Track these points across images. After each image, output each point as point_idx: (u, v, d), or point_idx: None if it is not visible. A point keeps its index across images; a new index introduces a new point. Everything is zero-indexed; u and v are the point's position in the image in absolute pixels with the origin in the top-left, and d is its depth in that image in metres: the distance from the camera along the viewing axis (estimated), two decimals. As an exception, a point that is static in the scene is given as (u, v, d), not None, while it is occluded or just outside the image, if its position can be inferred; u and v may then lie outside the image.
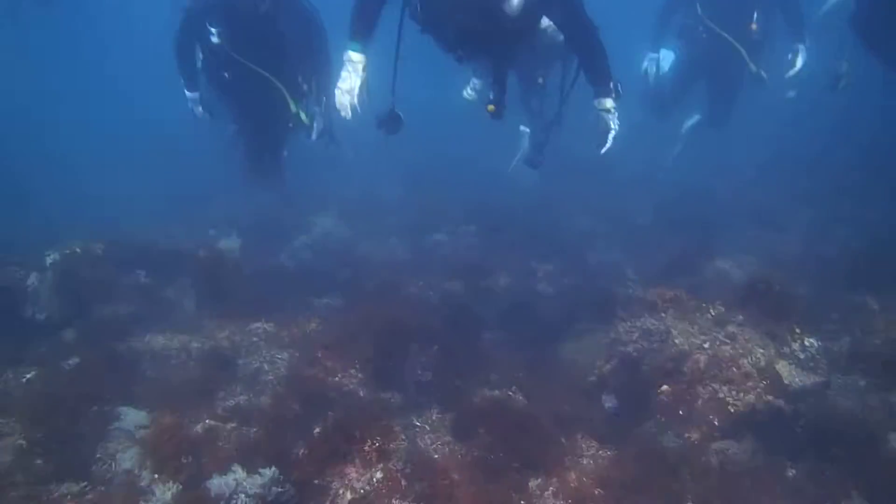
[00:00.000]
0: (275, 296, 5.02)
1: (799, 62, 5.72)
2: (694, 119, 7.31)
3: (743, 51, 5.68)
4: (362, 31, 3.46)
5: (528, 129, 6.54)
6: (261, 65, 4.54)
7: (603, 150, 3.59)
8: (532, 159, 3.85)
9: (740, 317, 3.46)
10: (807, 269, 4.72)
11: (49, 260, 4.29)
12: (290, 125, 4.95)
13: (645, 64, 6.40)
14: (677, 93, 6.74)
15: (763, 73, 5.74)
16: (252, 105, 5.09)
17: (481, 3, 3.17)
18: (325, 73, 4.81)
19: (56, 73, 12.63)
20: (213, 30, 4.36)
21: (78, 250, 4.45)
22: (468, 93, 5.70)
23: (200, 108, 4.97)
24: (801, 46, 5.72)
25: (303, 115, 4.75)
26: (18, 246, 4.74)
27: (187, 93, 4.93)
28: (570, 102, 3.90)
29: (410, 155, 8.57)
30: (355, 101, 3.43)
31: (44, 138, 9.71)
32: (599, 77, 3.59)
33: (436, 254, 6.20)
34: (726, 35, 5.68)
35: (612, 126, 3.56)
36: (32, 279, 4.18)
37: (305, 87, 4.79)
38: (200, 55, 4.80)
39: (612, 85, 3.56)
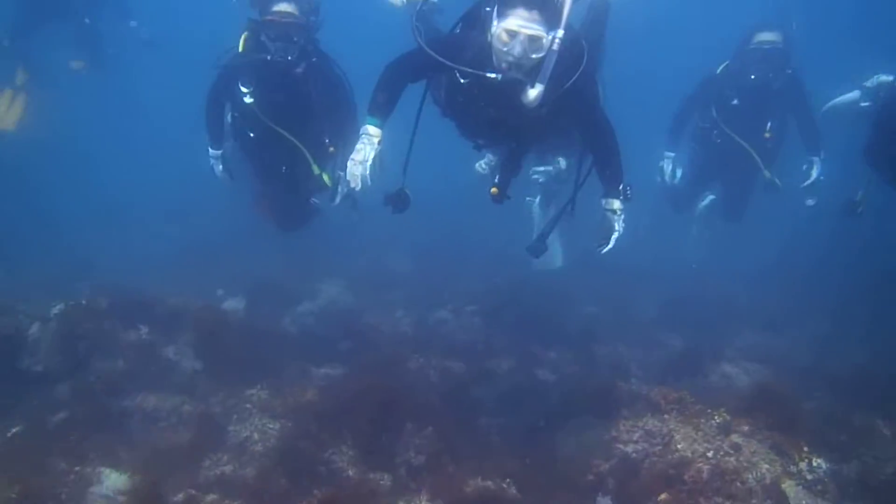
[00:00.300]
0: (274, 361, 4.98)
1: (814, 173, 5.79)
2: (708, 199, 7.28)
3: (757, 157, 5.77)
4: (382, 108, 3.54)
5: (535, 200, 6.58)
6: (287, 127, 4.56)
7: (604, 251, 3.57)
8: (535, 247, 3.73)
9: (746, 427, 3.36)
10: (815, 382, 4.62)
11: (54, 311, 4.31)
12: (314, 188, 4.94)
13: (661, 163, 6.49)
14: (692, 193, 6.85)
15: (777, 181, 5.81)
16: (276, 166, 5.09)
17: (502, 94, 3.22)
18: (352, 138, 4.91)
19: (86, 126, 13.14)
20: (244, 90, 4.39)
21: (83, 302, 4.48)
22: (481, 167, 5.78)
23: (221, 168, 4.96)
24: (815, 158, 5.81)
25: (326, 178, 4.73)
26: (33, 294, 4.78)
27: (210, 150, 4.94)
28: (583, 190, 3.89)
29: (423, 227, 8.68)
30: (367, 172, 3.43)
31: (66, 186, 9.93)
32: (611, 177, 3.58)
33: (439, 331, 6.15)
34: (741, 140, 5.79)
35: (617, 228, 3.53)
36: (34, 329, 4.19)
37: (332, 149, 4.77)
38: (229, 114, 4.84)
39: (622, 187, 3.56)
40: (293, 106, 4.51)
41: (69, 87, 8.95)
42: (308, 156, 4.65)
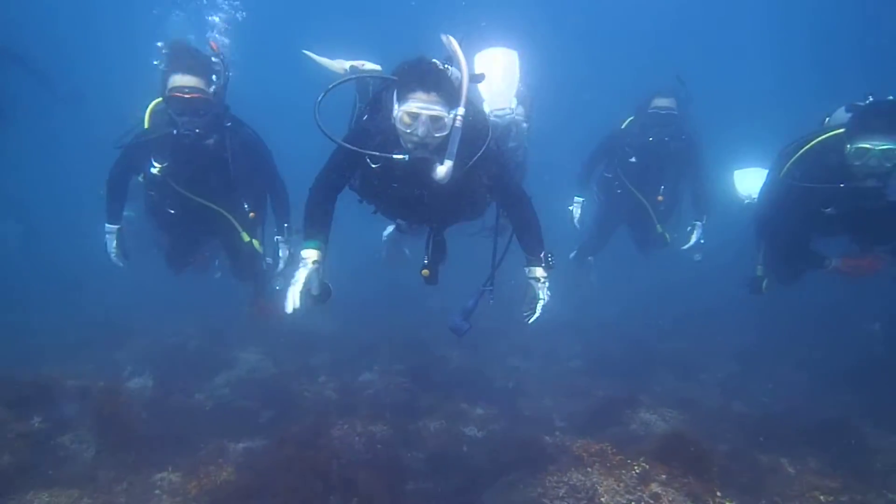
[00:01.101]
0: (187, 441, 4.68)
1: (693, 238, 6.26)
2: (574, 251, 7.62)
3: (651, 212, 6.22)
4: (316, 230, 3.49)
5: None
6: (206, 196, 4.49)
7: (531, 320, 3.52)
8: (458, 326, 3.62)
9: (663, 475, 3.45)
10: (725, 424, 4.84)
11: (-73, 405, 3.87)
12: (248, 256, 4.85)
13: (570, 207, 6.75)
14: (600, 237, 7.18)
15: (666, 235, 6.28)
16: (199, 235, 5.04)
17: (412, 174, 3.26)
18: (279, 201, 4.84)
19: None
20: (156, 164, 4.29)
21: (-35, 392, 4.06)
22: (386, 232, 5.91)
23: (115, 245, 4.70)
24: (698, 223, 6.28)
25: (256, 244, 4.69)
26: None
27: (107, 225, 4.72)
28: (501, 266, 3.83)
29: (348, 290, 8.55)
30: (298, 297, 3.25)
31: None
32: (531, 246, 3.59)
33: (365, 393, 6.00)
34: (638, 194, 6.22)
35: (542, 296, 3.50)
36: None
37: (252, 214, 4.73)
38: (145, 192, 4.66)
39: (543, 255, 3.56)
40: (209, 176, 4.44)
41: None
42: (235, 223, 4.62)
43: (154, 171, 4.31)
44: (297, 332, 7.65)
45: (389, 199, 3.65)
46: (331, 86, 3.34)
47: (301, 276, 3.30)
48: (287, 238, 4.95)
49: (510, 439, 4.61)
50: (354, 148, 3.24)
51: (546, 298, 3.50)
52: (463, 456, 4.80)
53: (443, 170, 3.12)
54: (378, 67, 4.44)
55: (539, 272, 3.55)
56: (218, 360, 6.46)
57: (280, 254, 4.93)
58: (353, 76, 3.59)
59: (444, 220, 3.81)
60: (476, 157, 3.23)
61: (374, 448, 4.76)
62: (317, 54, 4.87)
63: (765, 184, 4.97)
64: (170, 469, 4.27)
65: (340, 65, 4.71)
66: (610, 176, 6.48)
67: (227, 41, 7.34)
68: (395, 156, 3.14)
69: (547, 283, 3.54)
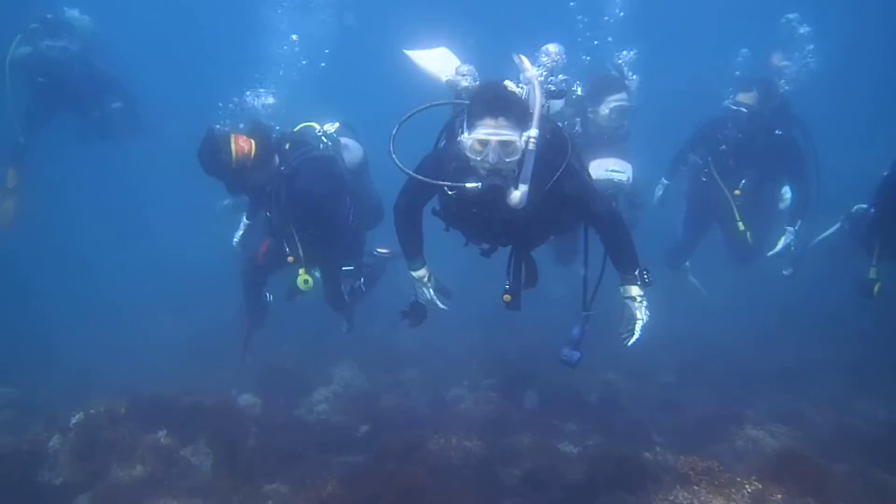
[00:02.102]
0: (292, 454, 4.92)
1: (780, 244, 5.84)
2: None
3: (734, 206, 5.84)
4: (413, 250, 3.78)
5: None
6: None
7: (630, 342, 3.35)
8: (568, 358, 3.47)
9: (779, 496, 3.29)
10: (843, 443, 4.53)
11: (73, 421, 4.32)
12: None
13: (657, 187, 6.51)
14: (689, 240, 6.80)
15: (749, 234, 5.85)
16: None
17: (487, 201, 3.20)
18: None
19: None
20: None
21: (102, 409, 4.50)
22: None
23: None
24: (789, 229, 5.85)
25: (300, 279, 4.73)
26: (48, 404, 4.77)
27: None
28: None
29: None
30: (438, 306, 3.83)
31: (60, 286, 10.00)
32: (624, 264, 3.46)
33: (457, 408, 6.09)
34: (721, 185, 5.88)
35: (640, 316, 3.34)
36: (54, 441, 4.19)
37: (290, 259, 4.73)
38: None
39: (638, 272, 3.42)
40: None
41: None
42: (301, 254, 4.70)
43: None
44: (386, 348, 7.88)
45: (470, 224, 3.61)
46: (405, 117, 3.36)
47: (427, 294, 3.82)
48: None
49: (607, 456, 4.52)
50: (429, 180, 3.25)
51: (645, 318, 3.35)
52: (559, 473, 4.75)
53: (517, 195, 3.08)
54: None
55: (635, 291, 3.41)
56: (314, 376, 6.74)
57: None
58: (426, 106, 3.50)
59: (528, 242, 3.73)
60: (555, 178, 3.17)
61: (470, 463, 4.82)
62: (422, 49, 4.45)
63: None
64: (279, 481, 4.51)
65: (441, 68, 4.40)
66: (700, 162, 6.17)
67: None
68: (468, 185, 3.11)
69: (645, 302, 3.39)
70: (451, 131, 3.57)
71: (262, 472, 4.61)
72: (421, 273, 3.83)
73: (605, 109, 5.07)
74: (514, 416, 5.83)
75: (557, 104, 5.09)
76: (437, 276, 3.90)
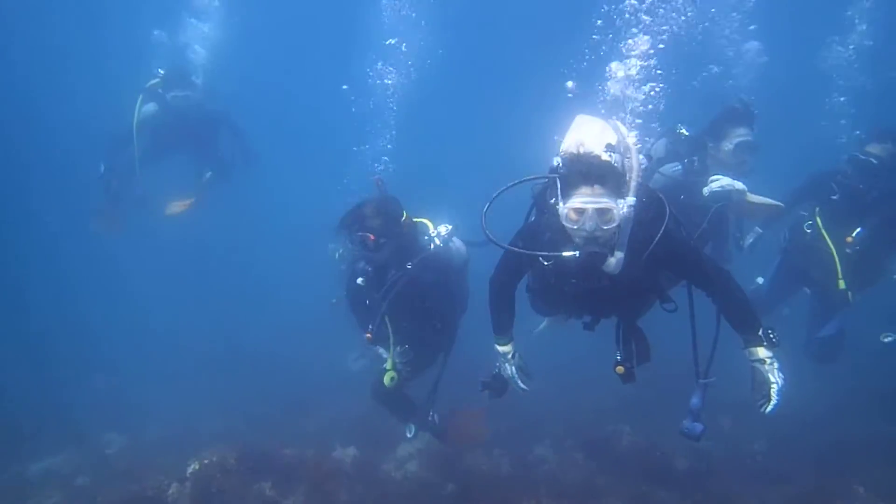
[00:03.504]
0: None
1: None
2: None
3: (836, 256, 5.36)
4: (503, 327, 3.83)
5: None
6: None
7: (768, 410, 3.12)
8: (690, 431, 3.29)
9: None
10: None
11: (189, 470, 4.60)
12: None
13: (750, 238, 6.00)
14: (775, 296, 6.32)
15: (850, 294, 5.34)
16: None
17: (585, 269, 3.19)
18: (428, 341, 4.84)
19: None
20: (359, 279, 4.64)
21: (214, 459, 4.77)
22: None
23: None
24: None
25: (388, 374, 4.63)
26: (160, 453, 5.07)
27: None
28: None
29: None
30: (519, 384, 3.86)
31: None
32: (744, 324, 3.27)
33: (541, 469, 6.07)
34: (826, 236, 5.43)
35: (774, 379, 3.12)
36: (173, 490, 4.47)
37: (368, 336, 4.62)
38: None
39: (761, 332, 3.21)
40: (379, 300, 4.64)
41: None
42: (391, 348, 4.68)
43: (359, 281, 4.66)
44: (465, 400, 7.92)
45: (569, 296, 3.53)
46: (497, 193, 3.36)
47: (509, 370, 3.86)
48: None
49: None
50: (526, 251, 3.30)
51: (780, 381, 3.12)
52: (654, 543, 4.67)
53: (612, 262, 3.11)
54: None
55: (763, 352, 3.20)
56: (397, 431, 6.86)
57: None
58: (515, 182, 3.46)
59: (631, 310, 3.67)
60: (654, 242, 3.14)
61: (563, 529, 4.80)
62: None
63: None
64: (374, 537, 4.63)
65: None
66: (805, 214, 5.77)
67: None
68: (565, 254, 3.11)
69: (776, 364, 3.17)
70: (541, 204, 3.61)
71: (357, 528, 4.74)
72: (507, 349, 3.86)
73: (728, 145, 4.83)
74: (601, 479, 5.76)
75: (660, 147, 5.17)
76: (522, 355, 3.92)
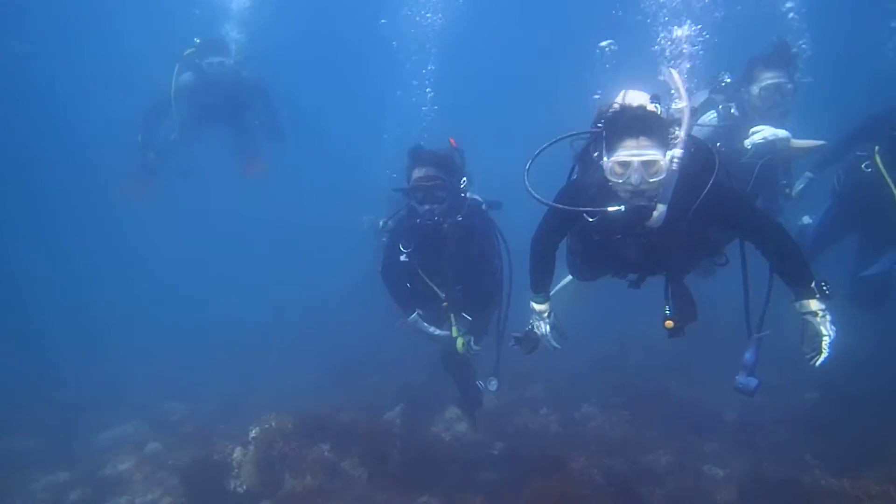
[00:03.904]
0: (436, 468, 5.17)
1: None
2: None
3: None
4: (542, 285, 3.79)
5: None
6: (437, 282, 4.68)
7: (818, 362, 3.06)
8: (745, 386, 3.24)
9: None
10: None
11: (252, 434, 4.81)
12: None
13: (800, 184, 5.65)
14: (824, 241, 5.92)
15: None
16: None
17: (631, 223, 3.13)
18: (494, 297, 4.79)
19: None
20: (403, 250, 4.59)
21: (273, 425, 4.96)
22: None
23: (548, 332, 4.05)
24: None
25: (459, 343, 4.63)
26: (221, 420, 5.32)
27: (409, 319, 4.85)
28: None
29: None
30: (550, 342, 3.79)
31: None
32: (796, 277, 3.19)
33: (588, 426, 6.15)
34: (887, 177, 5.02)
35: (825, 331, 3.05)
36: (237, 453, 4.69)
37: (445, 304, 4.67)
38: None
39: (814, 284, 3.14)
40: (440, 261, 4.65)
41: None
42: (452, 317, 4.69)
43: (402, 257, 4.61)
44: (508, 365, 8.04)
45: (614, 254, 3.50)
46: (539, 150, 3.32)
47: (543, 329, 3.81)
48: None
49: (761, 480, 4.44)
50: (570, 207, 3.26)
51: (832, 334, 3.06)
52: (706, 495, 4.71)
53: (654, 215, 3.04)
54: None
55: (815, 305, 3.12)
56: (445, 394, 7.02)
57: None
58: (558, 138, 3.42)
59: (679, 266, 3.61)
60: (702, 196, 3.05)
61: (613, 482, 4.87)
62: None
63: None
64: (429, 494, 4.78)
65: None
66: (863, 154, 5.35)
67: None
68: (610, 208, 3.06)
69: (828, 317, 3.10)
70: (584, 161, 3.56)
71: (411, 485, 4.90)
72: (543, 307, 3.84)
73: (755, 89, 4.71)
74: (648, 434, 5.80)
75: (701, 94, 5.05)
76: (557, 315, 3.91)
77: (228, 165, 8.59)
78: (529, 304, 3.94)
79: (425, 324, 4.84)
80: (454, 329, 4.68)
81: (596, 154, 3.17)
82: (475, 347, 4.78)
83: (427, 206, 4.37)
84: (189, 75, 7.44)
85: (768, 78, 4.71)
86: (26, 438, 6.66)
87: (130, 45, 13.64)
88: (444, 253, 4.55)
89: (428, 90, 8.18)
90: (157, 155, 7.80)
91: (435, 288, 4.70)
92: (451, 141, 4.72)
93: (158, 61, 7.84)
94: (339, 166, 15.35)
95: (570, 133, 3.43)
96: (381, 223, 5.08)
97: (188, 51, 7.45)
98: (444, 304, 4.68)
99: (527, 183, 3.23)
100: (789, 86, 4.76)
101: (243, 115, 7.98)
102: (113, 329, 10.09)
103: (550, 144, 3.37)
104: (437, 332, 4.85)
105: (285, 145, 8.40)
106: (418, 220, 4.46)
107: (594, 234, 3.44)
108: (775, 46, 4.89)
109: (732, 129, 4.69)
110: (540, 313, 3.86)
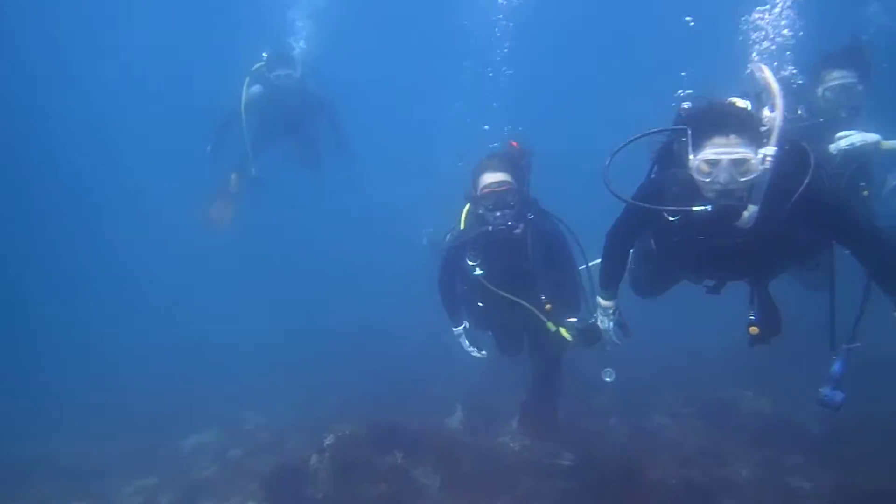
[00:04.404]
0: (505, 477, 5.16)
1: None
2: None
3: None
4: (611, 282, 3.82)
5: None
6: (513, 291, 4.58)
7: None
8: (830, 399, 3.16)
9: None
10: None
11: (326, 442, 4.93)
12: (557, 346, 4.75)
13: (892, 181, 5.24)
14: None
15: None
16: (514, 331, 5.10)
17: (717, 224, 3.04)
18: (569, 289, 4.76)
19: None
20: (472, 263, 4.54)
21: (347, 433, 5.08)
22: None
23: (468, 343, 5.05)
24: None
25: (563, 332, 4.55)
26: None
27: (454, 329, 5.02)
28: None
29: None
30: (614, 339, 3.84)
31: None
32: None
33: (662, 437, 5.99)
34: None
35: None
36: (314, 460, 4.82)
37: (548, 306, 4.57)
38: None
39: None
40: (516, 270, 4.59)
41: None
42: (541, 315, 4.59)
43: (473, 270, 4.58)
44: (573, 373, 7.94)
45: (695, 255, 3.37)
46: (619, 146, 3.25)
47: (609, 322, 3.89)
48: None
49: (855, 494, 4.21)
50: (652, 206, 3.19)
51: None
52: (792, 508, 4.52)
53: (745, 215, 2.95)
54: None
55: None
56: (510, 402, 6.99)
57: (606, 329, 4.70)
58: (641, 135, 3.33)
59: (765, 271, 3.48)
60: (795, 197, 2.92)
61: (692, 493, 4.73)
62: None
63: None
64: (500, 503, 4.77)
65: None
66: None
67: None
68: (695, 208, 2.97)
69: None
70: (663, 159, 3.50)
71: (482, 493, 4.90)
72: (610, 304, 3.88)
73: (820, 90, 4.59)
74: (725, 445, 5.61)
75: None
76: (623, 312, 3.90)
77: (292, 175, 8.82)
78: (596, 298, 3.98)
79: (467, 341, 4.99)
80: (549, 323, 4.57)
81: (683, 140, 3.05)
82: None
83: (499, 213, 4.34)
84: (258, 88, 7.70)
85: (835, 78, 4.55)
86: (114, 444, 7.07)
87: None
88: (520, 258, 4.52)
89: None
90: (238, 175, 8.12)
91: (515, 298, 4.58)
92: (513, 143, 4.69)
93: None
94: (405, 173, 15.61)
95: (654, 129, 3.35)
96: (447, 236, 5.11)
97: (257, 65, 7.73)
98: (547, 306, 4.54)
99: (606, 179, 3.15)
100: (860, 87, 4.56)
101: (308, 127, 8.26)
102: (184, 340, 10.55)
103: (635, 139, 3.30)
104: (475, 352, 5.00)
105: (350, 157, 8.68)
106: (490, 228, 4.42)
107: (674, 236, 3.34)
108: (847, 46, 4.73)
109: (803, 130, 4.54)
110: (605, 309, 3.91)
